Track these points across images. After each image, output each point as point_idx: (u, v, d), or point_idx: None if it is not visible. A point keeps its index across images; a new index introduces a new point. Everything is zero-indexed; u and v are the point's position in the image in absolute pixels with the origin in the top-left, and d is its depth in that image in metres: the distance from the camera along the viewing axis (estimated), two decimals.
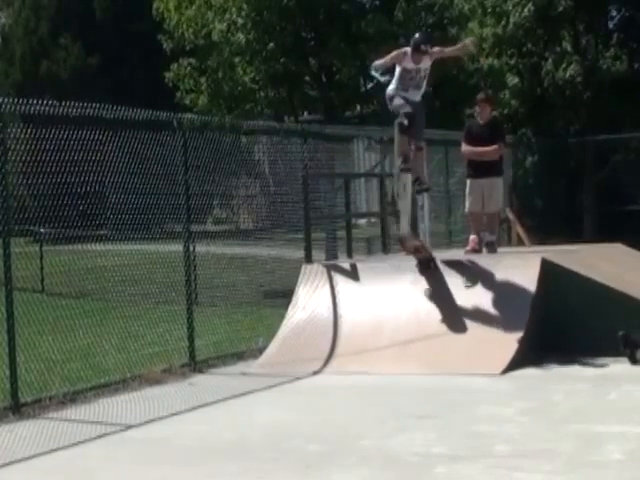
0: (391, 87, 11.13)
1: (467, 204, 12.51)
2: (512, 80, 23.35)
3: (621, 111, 22.12)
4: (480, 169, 12.18)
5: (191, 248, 11.64)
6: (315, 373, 10.36)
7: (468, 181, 12.50)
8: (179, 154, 11.48)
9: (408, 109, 10.84)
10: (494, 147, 12.14)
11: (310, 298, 11.49)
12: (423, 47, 10.79)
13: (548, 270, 10.71)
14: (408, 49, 10.92)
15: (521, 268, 10.90)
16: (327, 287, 11.53)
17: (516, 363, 9.80)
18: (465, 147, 12.37)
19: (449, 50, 11.73)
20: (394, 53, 11.07)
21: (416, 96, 11.03)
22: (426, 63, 10.96)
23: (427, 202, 11.31)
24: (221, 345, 11.99)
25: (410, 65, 10.89)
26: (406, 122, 10.82)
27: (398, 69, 11.00)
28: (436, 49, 11.14)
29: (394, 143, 11.22)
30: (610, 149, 22.58)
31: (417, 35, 11.16)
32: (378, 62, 11.13)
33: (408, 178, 10.97)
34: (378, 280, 11.32)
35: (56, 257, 14.04)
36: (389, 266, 11.93)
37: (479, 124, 12.43)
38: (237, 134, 14.09)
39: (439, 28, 21.54)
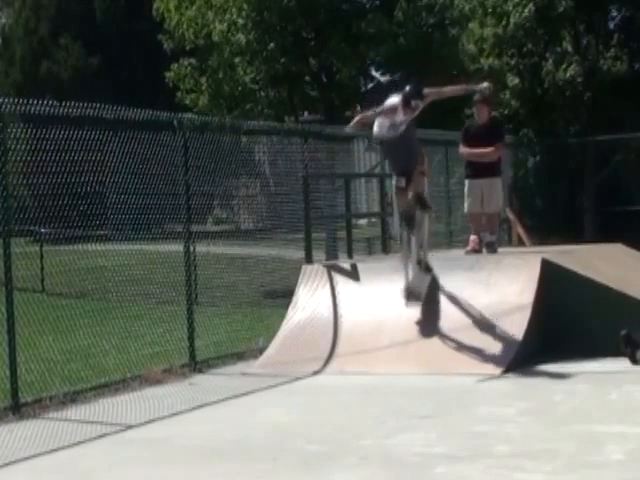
0: (376, 130, 10.42)
1: (466, 205, 12.52)
2: (512, 80, 23.35)
3: (621, 111, 22.12)
4: (479, 170, 12.18)
5: (191, 248, 11.64)
6: (315, 373, 10.37)
7: (467, 182, 12.51)
8: (179, 154, 11.49)
9: (402, 168, 10.45)
10: (491, 149, 12.10)
11: (310, 298, 11.49)
12: (413, 103, 10.20)
13: (548, 270, 10.71)
14: (397, 102, 10.24)
15: (521, 268, 10.90)
16: (327, 287, 11.53)
17: (516, 363, 9.80)
18: (463, 148, 12.37)
19: (449, 90, 11.15)
20: (383, 108, 10.41)
21: (401, 127, 10.32)
22: (418, 110, 10.39)
23: (427, 222, 10.98)
24: (221, 345, 12.00)
25: (401, 117, 10.23)
26: (403, 183, 10.46)
27: (385, 120, 10.31)
28: (432, 91, 10.63)
29: (393, 201, 10.89)
30: (610, 149, 22.57)
31: (408, 88, 10.37)
32: (352, 126, 10.68)
33: (412, 239, 10.63)
34: (378, 280, 11.32)
35: (56, 257, 14.05)
36: (389, 266, 11.92)
37: (477, 125, 12.40)
38: (237, 134, 14.10)
39: (439, 28, 21.57)
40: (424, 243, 10.79)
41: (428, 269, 10.69)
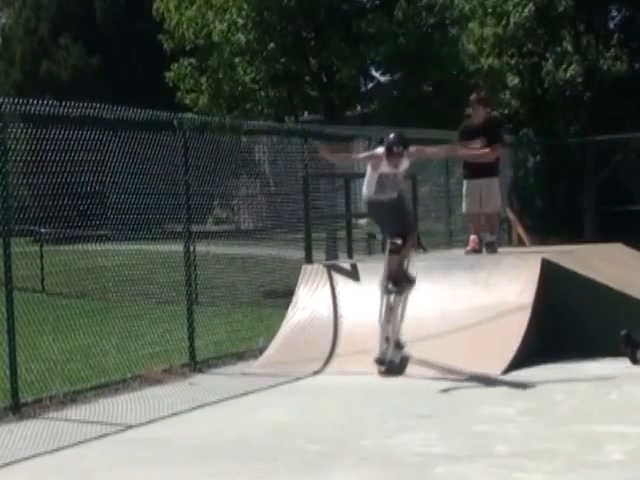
0: (365, 191, 10.15)
1: (464, 205, 12.51)
2: (512, 80, 23.36)
3: (621, 111, 22.13)
4: (476, 170, 12.15)
5: (191, 248, 11.64)
6: (315, 373, 10.37)
7: (465, 182, 12.49)
8: (179, 154, 11.49)
9: (399, 229, 10.02)
10: (487, 150, 12.04)
11: (310, 298, 11.50)
12: (395, 149, 9.78)
13: (548, 270, 10.71)
14: (382, 152, 9.92)
15: (521, 268, 10.90)
16: (327, 287, 11.53)
17: (516, 363, 9.80)
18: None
19: (432, 151, 10.76)
20: (368, 154, 10.21)
21: (393, 193, 10.01)
22: (404, 164, 10.04)
23: (407, 299, 10.12)
24: (221, 345, 12.00)
25: (387, 170, 9.90)
26: (400, 242, 10.04)
27: (373, 173, 10.01)
28: (414, 149, 10.13)
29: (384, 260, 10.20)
30: (610, 149, 22.58)
31: (391, 136, 9.95)
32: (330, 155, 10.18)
33: (398, 300, 10.01)
34: (378, 280, 11.30)
35: (56, 257, 14.06)
36: None
37: (474, 125, 12.34)
38: (237, 134, 14.10)
39: (439, 28, 21.58)
40: (401, 320, 10.02)
41: (400, 346, 9.91)
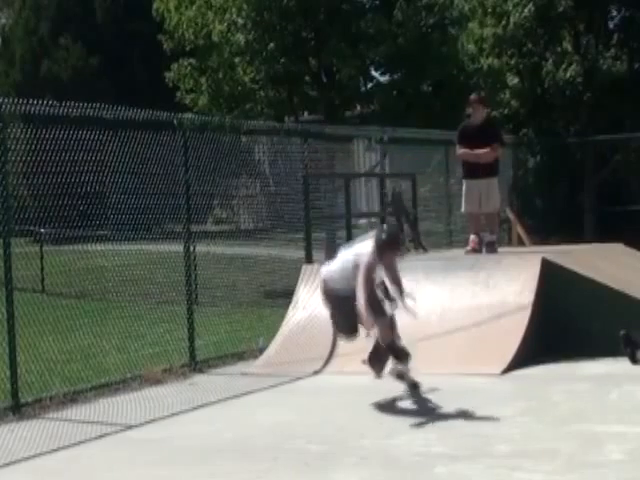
0: (325, 273, 9.29)
1: (464, 205, 12.50)
2: (512, 80, 23.38)
3: (621, 111, 22.15)
4: (476, 170, 12.15)
5: (191, 248, 11.64)
6: (315, 373, 10.37)
7: (465, 182, 12.49)
8: (179, 154, 11.49)
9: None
10: (487, 150, 12.03)
11: (310, 298, 11.48)
12: (400, 237, 9.12)
13: (548, 270, 10.71)
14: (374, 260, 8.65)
15: (521, 268, 10.90)
16: None
17: (516, 363, 9.80)
18: (460, 149, 12.29)
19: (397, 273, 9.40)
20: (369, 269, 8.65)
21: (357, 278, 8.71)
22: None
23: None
24: (221, 345, 12.00)
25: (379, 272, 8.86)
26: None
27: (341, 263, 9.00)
28: (388, 264, 8.81)
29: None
30: (610, 149, 22.61)
31: (383, 235, 8.69)
32: None
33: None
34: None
35: (56, 257, 14.07)
36: None
37: (473, 125, 12.34)
38: (237, 134, 14.11)
39: (439, 28, 21.57)
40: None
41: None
